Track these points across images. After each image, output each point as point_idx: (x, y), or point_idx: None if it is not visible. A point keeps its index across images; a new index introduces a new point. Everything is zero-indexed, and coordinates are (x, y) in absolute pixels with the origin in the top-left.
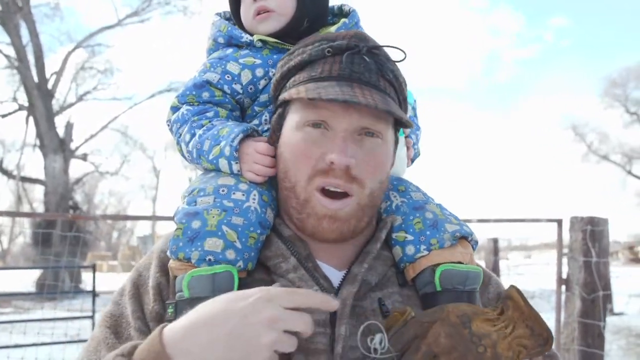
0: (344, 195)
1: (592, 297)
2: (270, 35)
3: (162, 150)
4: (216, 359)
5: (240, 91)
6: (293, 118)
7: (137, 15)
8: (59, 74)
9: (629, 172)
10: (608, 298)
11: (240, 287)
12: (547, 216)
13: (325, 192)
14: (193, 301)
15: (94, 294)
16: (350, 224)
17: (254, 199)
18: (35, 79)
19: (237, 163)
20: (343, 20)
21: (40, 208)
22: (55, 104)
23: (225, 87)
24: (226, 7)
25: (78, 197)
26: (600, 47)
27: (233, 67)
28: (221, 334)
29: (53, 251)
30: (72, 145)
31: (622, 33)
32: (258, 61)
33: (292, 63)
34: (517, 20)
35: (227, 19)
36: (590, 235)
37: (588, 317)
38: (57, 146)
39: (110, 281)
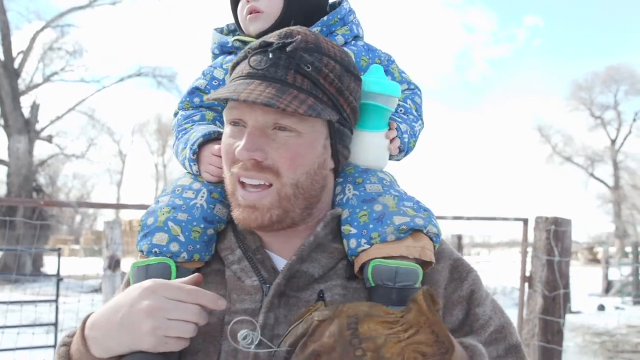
0: (264, 186)
1: (553, 294)
2: (260, 34)
3: (129, 135)
4: (114, 344)
5: None
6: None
7: None
8: (26, 53)
9: (592, 175)
10: (568, 296)
11: (185, 275)
12: (511, 214)
13: (242, 185)
14: None
15: (58, 278)
16: (271, 213)
17: (202, 197)
18: (2, 57)
19: (195, 164)
20: (322, 18)
21: (2, 189)
22: (22, 84)
23: (212, 92)
24: (218, 18)
25: (42, 179)
26: (571, 49)
27: (218, 73)
28: (114, 322)
29: (15, 234)
30: (38, 127)
31: (592, 36)
32: None
33: (230, 65)
34: (490, 18)
35: (232, 31)
36: (554, 235)
37: (548, 313)
38: (22, 127)
39: (72, 265)
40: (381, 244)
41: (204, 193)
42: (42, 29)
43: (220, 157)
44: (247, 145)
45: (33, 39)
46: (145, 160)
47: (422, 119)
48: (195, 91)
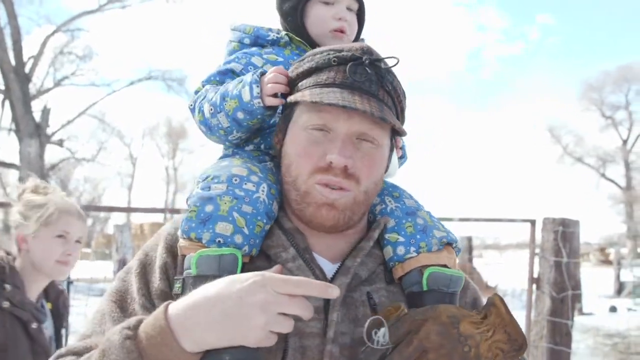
0: (340, 189)
1: (562, 296)
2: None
3: (139, 138)
4: (213, 338)
5: None
6: (298, 120)
7: (118, 1)
8: (37, 57)
9: (603, 175)
10: (577, 298)
11: (242, 272)
12: (522, 216)
13: (325, 186)
14: (199, 278)
15: (68, 281)
16: (345, 214)
17: (262, 191)
18: (13, 62)
19: (258, 86)
20: None
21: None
22: (32, 88)
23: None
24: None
25: (53, 183)
26: (583, 48)
27: (257, 61)
28: (217, 314)
29: None
30: (49, 131)
31: (605, 35)
32: (280, 59)
33: (300, 69)
34: (502, 16)
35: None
36: (562, 236)
37: (557, 315)
38: (33, 131)
39: (83, 269)
40: (427, 253)
41: (264, 188)
42: (52, 34)
43: (287, 77)
44: (344, 152)
45: (44, 44)
46: (155, 163)
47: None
48: (228, 72)
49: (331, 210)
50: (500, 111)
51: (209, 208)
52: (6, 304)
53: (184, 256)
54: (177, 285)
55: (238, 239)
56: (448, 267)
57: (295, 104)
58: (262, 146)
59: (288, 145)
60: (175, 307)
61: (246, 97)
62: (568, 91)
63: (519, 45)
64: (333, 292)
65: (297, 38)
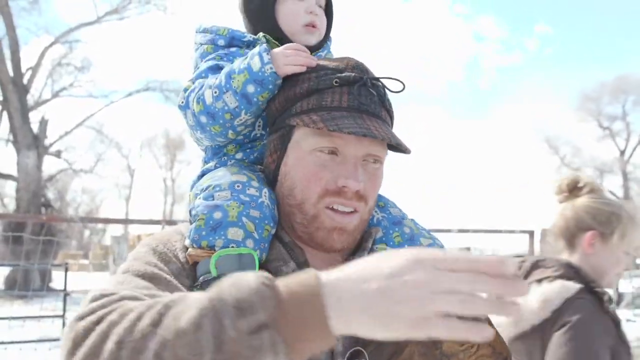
0: (352, 212)
1: None
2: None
3: (137, 149)
4: (368, 322)
5: None
6: (302, 142)
7: (116, 12)
8: (35, 69)
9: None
10: None
11: None
12: (521, 227)
13: (334, 210)
14: (219, 278)
15: (65, 293)
16: (354, 236)
17: (265, 196)
18: (11, 73)
19: (268, 54)
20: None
21: (11, 204)
22: (30, 99)
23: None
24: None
25: (50, 194)
26: (581, 58)
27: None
28: (375, 293)
29: (24, 249)
30: (46, 142)
31: (603, 46)
32: None
33: (298, 90)
34: (501, 26)
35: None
36: None
37: None
38: (30, 142)
39: (81, 281)
40: None
41: (266, 192)
42: (50, 45)
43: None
44: (357, 176)
45: (42, 55)
46: (153, 174)
47: None
48: (219, 69)
49: (342, 234)
50: (498, 121)
51: (217, 215)
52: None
53: (195, 264)
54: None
55: (249, 243)
56: None
57: (295, 125)
58: (247, 161)
59: (290, 168)
60: (325, 274)
61: (256, 65)
62: (566, 101)
63: (517, 55)
64: (508, 267)
65: (273, 40)
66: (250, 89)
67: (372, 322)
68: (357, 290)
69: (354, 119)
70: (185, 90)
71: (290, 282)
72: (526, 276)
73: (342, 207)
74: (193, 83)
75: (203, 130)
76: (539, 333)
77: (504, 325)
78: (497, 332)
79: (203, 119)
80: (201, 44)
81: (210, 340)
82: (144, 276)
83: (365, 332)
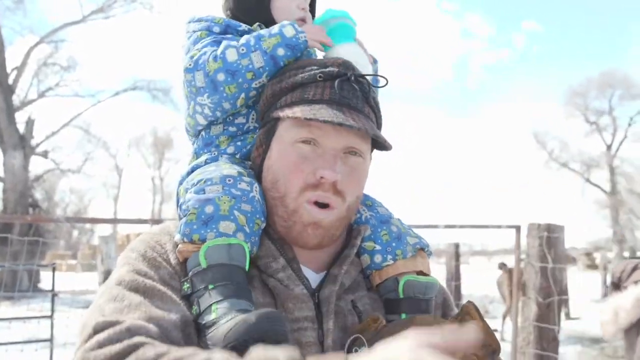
0: (327, 206)
1: (548, 301)
2: None
3: (125, 149)
4: None
5: None
6: (284, 135)
7: (102, 11)
8: (20, 69)
9: (588, 180)
10: (563, 303)
11: (248, 266)
12: (508, 222)
13: (314, 203)
14: (210, 269)
15: (53, 293)
16: (329, 232)
17: (256, 190)
18: None
19: (299, 27)
20: None
21: None
22: (16, 100)
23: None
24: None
25: (38, 194)
26: (569, 54)
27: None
28: None
29: (11, 250)
30: (33, 142)
31: (591, 42)
32: None
33: (284, 84)
34: (489, 23)
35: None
36: (547, 242)
37: (543, 321)
38: (17, 142)
39: (69, 281)
40: (403, 260)
41: (256, 187)
42: (36, 45)
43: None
44: (334, 167)
45: (27, 55)
46: (141, 174)
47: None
48: (219, 43)
49: (317, 229)
50: (486, 118)
51: (209, 209)
52: None
53: (185, 260)
54: (186, 286)
55: (240, 237)
56: (424, 273)
57: (278, 119)
58: (238, 155)
59: (274, 161)
60: (352, 357)
61: (289, 32)
62: (553, 97)
63: (505, 52)
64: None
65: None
66: (281, 52)
67: None
68: None
69: (332, 110)
70: (192, 57)
71: None
72: (627, 277)
73: (321, 200)
74: (199, 50)
75: (214, 91)
76: (636, 328)
77: (604, 323)
78: (486, 325)
79: (220, 76)
80: (194, 32)
81: None
82: (137, 290)
83: None
